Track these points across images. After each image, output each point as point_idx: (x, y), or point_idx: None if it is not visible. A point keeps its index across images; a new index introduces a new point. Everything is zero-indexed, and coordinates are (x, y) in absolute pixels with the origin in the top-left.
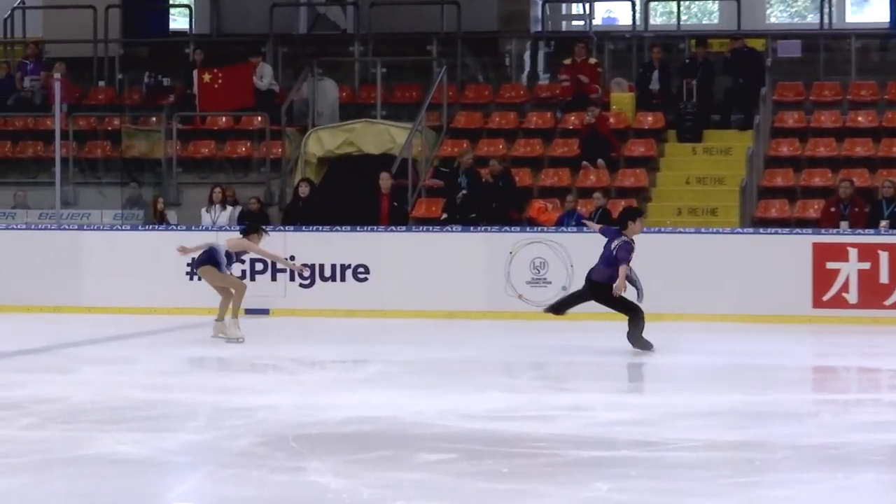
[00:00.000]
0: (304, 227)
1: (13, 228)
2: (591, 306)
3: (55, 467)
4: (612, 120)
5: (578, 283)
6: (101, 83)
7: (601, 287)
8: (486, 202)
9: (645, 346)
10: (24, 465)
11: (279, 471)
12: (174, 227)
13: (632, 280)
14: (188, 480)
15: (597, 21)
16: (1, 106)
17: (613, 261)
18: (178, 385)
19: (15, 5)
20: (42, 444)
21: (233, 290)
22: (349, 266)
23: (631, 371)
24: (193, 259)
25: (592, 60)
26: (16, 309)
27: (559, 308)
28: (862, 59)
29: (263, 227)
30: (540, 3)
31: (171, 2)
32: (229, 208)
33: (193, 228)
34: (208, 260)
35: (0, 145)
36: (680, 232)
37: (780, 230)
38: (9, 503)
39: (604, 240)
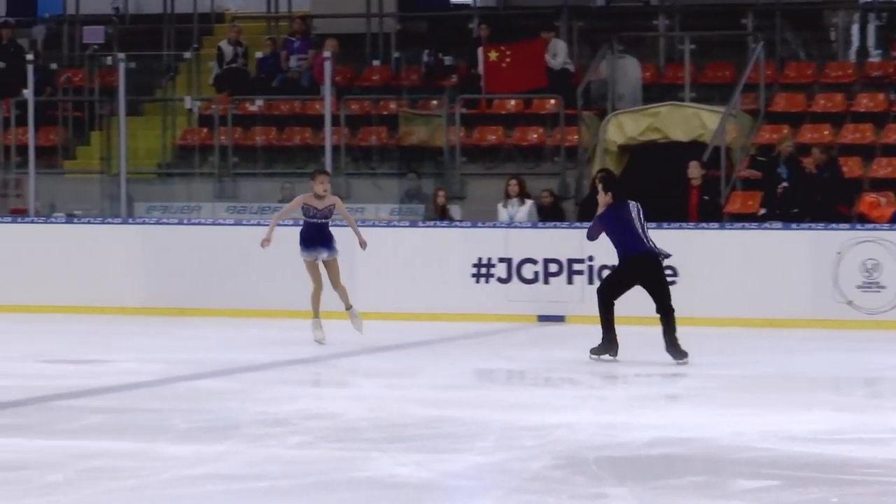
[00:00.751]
0: None
1: (279, 225)
2: None
3: (327, 491)
4: None
5: None
6: (376, 62)
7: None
8: (810, 196)
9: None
10: (292, 487)
11: (578, 497)
12: (458, 224)
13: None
14: None
15: None
16: (265, 88)
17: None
18: (463, 400)
19: None
20: (313, 465)
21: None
22: None
23: None
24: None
25: None
26: (282, 314)
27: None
28: None
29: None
30: None
31: None
32: (528, 203)
33: (480, 225)
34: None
35: (264, 132)
36: None
37: None
38: None
39: None
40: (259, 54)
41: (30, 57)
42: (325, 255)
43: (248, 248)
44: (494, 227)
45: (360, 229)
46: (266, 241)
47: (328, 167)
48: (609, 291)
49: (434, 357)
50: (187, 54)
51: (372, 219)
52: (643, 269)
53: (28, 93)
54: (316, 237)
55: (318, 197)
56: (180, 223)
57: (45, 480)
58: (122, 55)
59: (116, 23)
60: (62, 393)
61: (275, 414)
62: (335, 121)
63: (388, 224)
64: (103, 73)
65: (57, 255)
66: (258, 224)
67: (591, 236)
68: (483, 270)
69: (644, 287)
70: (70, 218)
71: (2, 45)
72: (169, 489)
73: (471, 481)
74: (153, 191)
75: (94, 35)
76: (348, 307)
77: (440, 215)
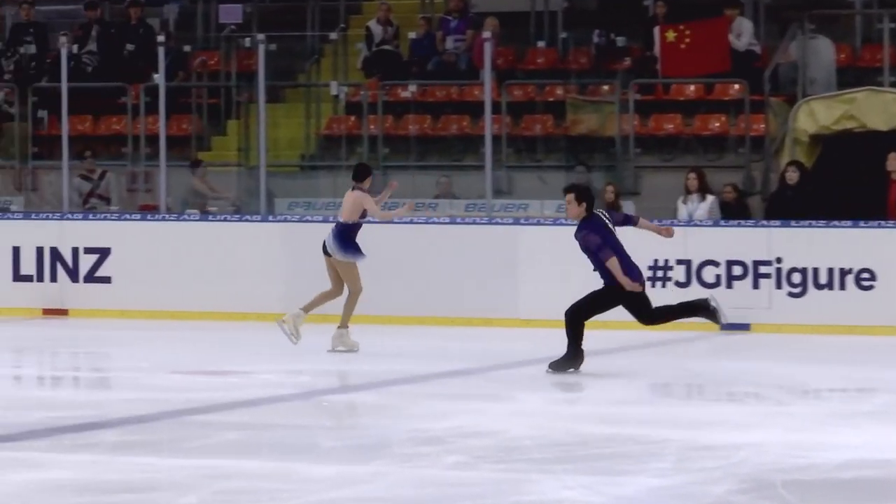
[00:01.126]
0: (792, 223)
1: (434, 223)
2: None
3: None
4: None
5: None
6: (541, 44)
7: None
8: None
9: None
10: None
11: None
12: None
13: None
14: None
15: None
16: (419, 72)
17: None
18: (637, 417)
19: None
20: (471, 487)
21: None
22: (850, 271)
23: None
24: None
25: None
26: (436, 322)
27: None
28: None
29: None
30: None
31: None
32: (709, 198)
33: (656, 222)
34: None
35: (418, 120)
36: None
37: None
38: None
39: None
40: (412, 35)
41: (161, 38)
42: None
43: (399, 249)
44: (672, 225)
45: (525, 228)
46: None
47: (487, 158)
48: (591, 312)
49: (605, 369)
50: (333, 35)
51: (536, 216)
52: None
53: (159, 78)
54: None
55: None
56: (325, 221)
57: (176, 503)
58: (261, 36)
59: (256, 1)
60: (195, 407)
61: (428, 431)
62: (496, 108)
63: (554, 222)
64: (241, 56)
65: (189, 256)
66: (411, 222)
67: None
68: (659, 273)
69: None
70: (204, 215)
71: (131, 27)
72: None
73: None
74: (295, 185)
75: (230, 14)
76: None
77: None
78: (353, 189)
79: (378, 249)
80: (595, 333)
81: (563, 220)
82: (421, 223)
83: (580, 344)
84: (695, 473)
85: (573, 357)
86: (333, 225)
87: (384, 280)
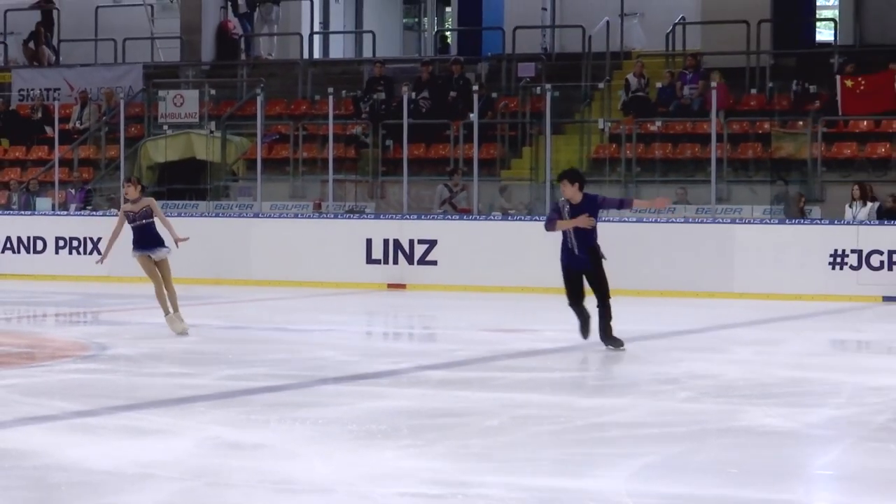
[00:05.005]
0: None
1: (674, 222)
2: None
3: (710, 437)
4: None
5: None
6: (753, 91)
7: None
8: None
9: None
10: (682, 433)
11: None
12: (817, 221)
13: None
14: (830, 452)
15: None
16: (664, 112)
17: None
18: (820, 365)
19: (676, 21)
20: (698, 415)
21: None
22: None
23: None
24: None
25: None
26: (672, 294)
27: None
28: None
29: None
30: None
31: (817, 16)
32: (869, 204)
33: (836, 222)
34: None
35: (662, 147)
36: None
37: None
38: (670, 465)
39: None
40: (658, 84)
41: (475, 88)
42: (157, 252)
43: (649, 241)
44: (848, 224)
45: (739, 227)
46: (101, 261)
47: (713, 177)
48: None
49: (796, 329)
50: (601, 85)
51: (747, 217)
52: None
53: (473, 116)
54: (141, 239)
55: (133, 202)
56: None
57: (483, 425)
58: (548, 86)
59: (544, 60)
60: (497, 355)
61: (667, 374)
62: (719, 138)
63: (761, 222)
64: (533, 101)
65: (494, 246)
66: (655, 222)
67: (551, 227)
68: (838, 259)
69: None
70: (505, 216)
71: (453, 78)
72: (582, 434)
73: (827, 430)
74: None
75: (527, 70)
76: (168, 312)
77: (800, 215)
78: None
79: (634, 241)
80: (791, 304)
81: (767, 220)
82: (663, 223)
83: (583, 311)
84: (863, 407)
85: (582, 324)
86: None
87: (638, 263)
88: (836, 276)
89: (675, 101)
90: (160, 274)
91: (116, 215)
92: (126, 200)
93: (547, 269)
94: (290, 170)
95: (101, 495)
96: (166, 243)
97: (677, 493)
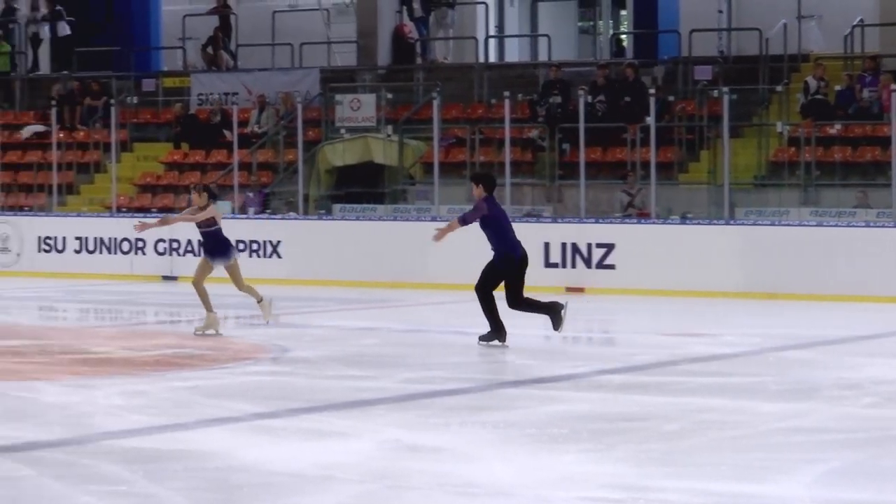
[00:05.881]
0: None
1: (854, 226)
2: None
3: (894, 443)
4: None
5: None
6: None
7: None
8: None
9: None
10: (865, 439)
11: None
12: None
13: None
14: None
15: None
16: (843, 114)
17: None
18: None
19: (854, 23)
20: (882, 421)
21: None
22: None
23: None
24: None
25: None
26: (853, 299)
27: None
28: None
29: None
30: None
31: None
32: None
33: None
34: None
35: (842, 150)
36: None
37: None
38: (853, 471)
39: None
40: (837, 87)
41: (651, 91)
42: (218, 262)
43: (829, 244)
44: None
45: None
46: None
47: (893, 180)
48: (491, 286)
49: None
50: (779, 87)
51: None
52: (522, 269)
53: (650, 120)
54: (206, 245)
55: (200, 209)
56: (773, 224)
57: (663, 429)
58: (725, 89)
59: (721, 63)
60: (677, 360)
61: (850, 379)
62: None
63: None
64: (710, 104)
65: (671, 249)
66: (835, 225)
67: (467, 221)
68: None
69: (507, 282)
70: (683, 219)
71: (629, 82)
72: (763, 439)
73: None
74: (750, 198)
75: (703, 73)
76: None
77: None
78: None
79: (808, 247)
80: None
81: None
82: (844, 226)
83: (497, 317)
84: None
85: (495, 331)
86: None
87: (819, 267)
88: None
89: (854, 103)
90: (232, 278)
91: (295, 219)
92: (193, 207)
93: (724, 273)
94: (467, 173)
95: (283, 497)
96: (231, 253)
97: (860, 500)
